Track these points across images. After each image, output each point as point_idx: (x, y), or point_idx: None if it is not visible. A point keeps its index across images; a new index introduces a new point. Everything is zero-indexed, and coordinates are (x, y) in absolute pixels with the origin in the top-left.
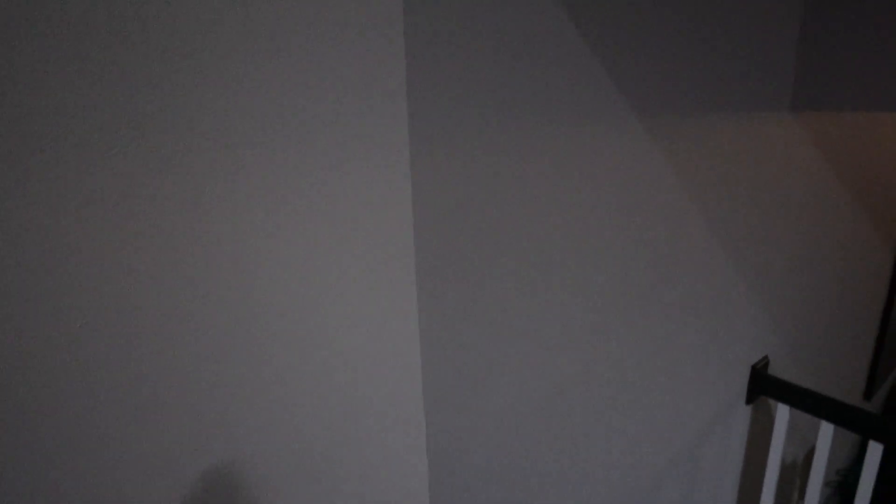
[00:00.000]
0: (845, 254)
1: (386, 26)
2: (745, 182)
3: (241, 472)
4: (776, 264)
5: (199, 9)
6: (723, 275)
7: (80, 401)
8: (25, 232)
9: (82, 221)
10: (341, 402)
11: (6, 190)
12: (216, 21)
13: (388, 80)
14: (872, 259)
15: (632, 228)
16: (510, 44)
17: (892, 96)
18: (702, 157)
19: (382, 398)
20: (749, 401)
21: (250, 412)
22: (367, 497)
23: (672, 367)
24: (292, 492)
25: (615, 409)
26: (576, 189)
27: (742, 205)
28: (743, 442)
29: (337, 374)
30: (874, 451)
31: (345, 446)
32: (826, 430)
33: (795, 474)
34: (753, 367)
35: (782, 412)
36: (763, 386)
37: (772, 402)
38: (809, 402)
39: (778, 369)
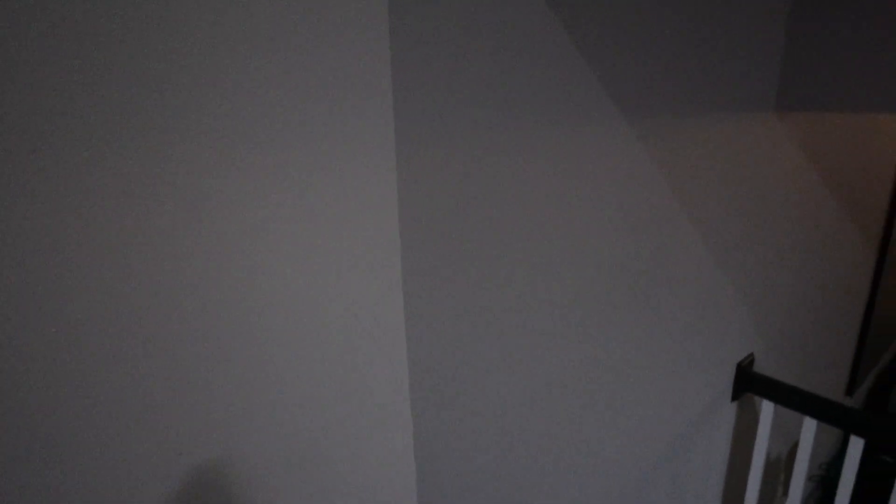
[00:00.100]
0: (829, 253)
1: (371, 24)
2: (730, 182)
3: (226, 473)
4: (761, 263)
5: (191, 12)
6: (709, 274)
7: (77, 400)
8: (24, 232)
9: (81, 221)
10: (323, 404)
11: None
12: (214, 22)
13: (373, 79)
14: (855, 258)
15: (618, 228)
16: (495, 43)
17: (876, 97)
18: (687, 157)
19: (367, 399)
20: (735, 398)
21: (232, 414)
22: (352, 499)
23: (659, 365)
24: (269, 497)
25: (603, 406)
26: (561, 188)
27: (728, 204)
28: (729, 438)
29: (318, 376)
30: (855, 445)
31: (328, 449)
32: (809, 425)
33: (780, 469)
34: (739, 365)
35: (767, 408)
36: (748, 383)
37: (757, 398)
38: (793, 399)
39: (763, 366)
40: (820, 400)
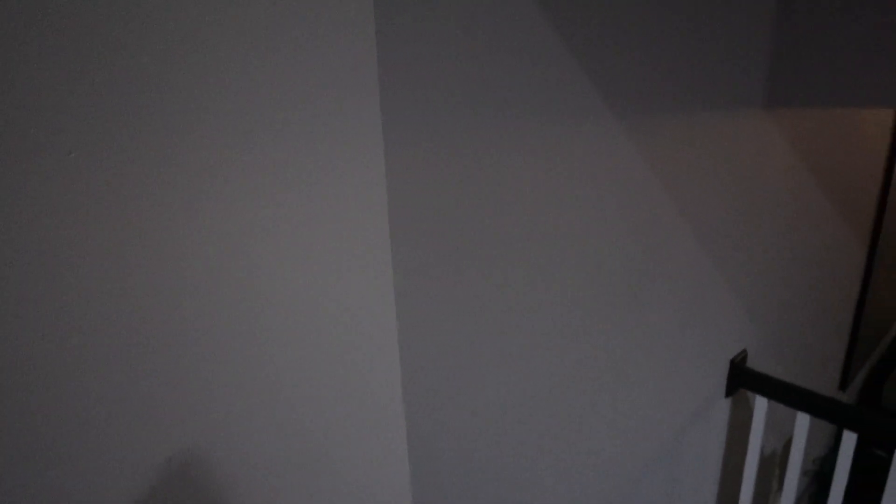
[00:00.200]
0: (820, 249)
1: (357, 24)
2: (722, 179)
3: (224, 474)
4: (753, 260)
5: (186, 12)
6: (702, 271)
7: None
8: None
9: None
10: (318, 405)
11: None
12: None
13: (359, 79)
14: (846, 254)
15: (611, 226)
16: (483, 42)
17: (864, 92)
18: (679, 155)
19: (360, 400)
20: (728, 394)
21: (231, 415)
22: (347, 500)
23: (654, 362)
24: (266, 497)
25: (599, 404)
26: (554, 186)
27: (720, 202)
28: (723, 434)
29: (313, 377)
30: (848, 440)
31: (323, 450)
32: (803, 420)
33: (774, 464)
34: (732, 361)
35: (760, 404)
36: (742, 379)
37: (750, 394)
38: (786, 394)
39: (756, 362)
40: (813, 395)
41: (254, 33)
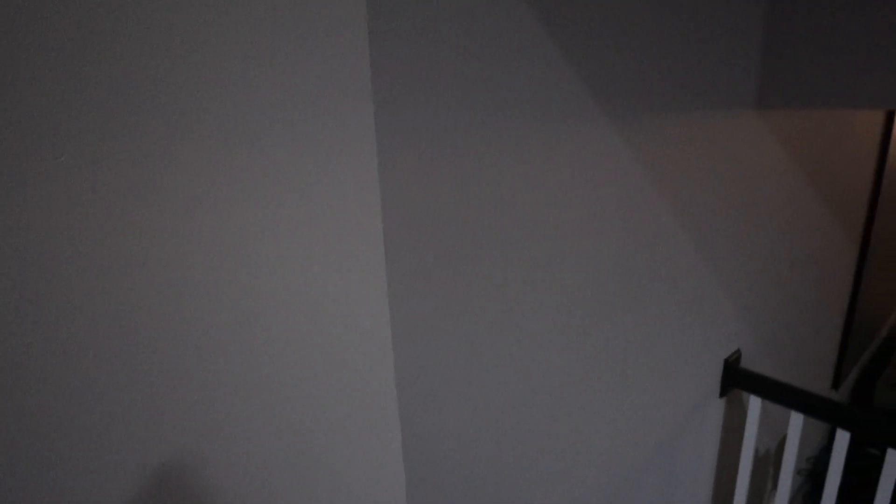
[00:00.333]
0: (813, 249)
1: (350, 27)
2: (716, 180)
3: (222, 474)
4: (747, 260)
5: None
6: (696, 272)
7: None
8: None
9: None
10: (315, 407)
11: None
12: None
13: (352, 79)
14: (838, 254)
15: (607, 227)
16: (476, 45)
17: (855, 93)
18: (673, 156)
19: (354, 402)
20: (723, 394)
21: (230, 416)
22: (342, 500)
23: (648, 363)
24: (262, 497)
25: (595, 404)
26: (547, 188)
27: (713, 202)
28: (718, 433)
29: (304, 379)
30: (842, 438)
31: (314, 454)
32: (796, 420)
33: (768, 463)
34: (726, 361)
35: (754, 404)
36: (735, 379)
37: (744, 394)
38: (780, 394)
39: (749, 362)
40: (806, 395)
41: (252, 36)
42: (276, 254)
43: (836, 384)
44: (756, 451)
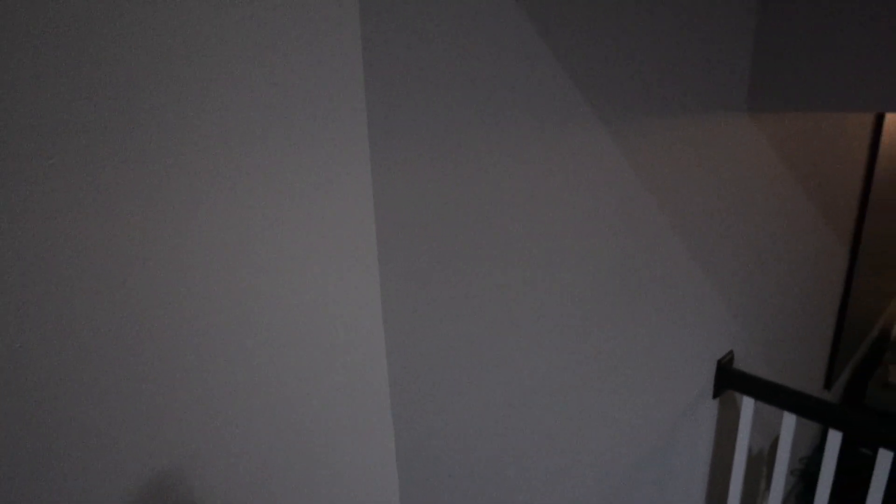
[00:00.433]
0: (804, 250)
1: (343, 29)
2: (709, 182)
3: (219, 474)
4: (739, 262)
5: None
6: (689, 273)
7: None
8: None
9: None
10: (307, 408)
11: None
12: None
13: (346, 81)
14: (829, 255)
15: (600, 229)
16: (470, 47)
17: (845, 96)
18: (666, 158)
19: (350, 404)
20: (716, 395)
21: (222, 415)
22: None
23: (642, 364)
24: (259, 497)
25: (590, 405)
26: (542, 189)
27: (706, 205)
28: (711, 434)
29: (294, 384)
30: (834, 438)
31: (307, 457)
32: (789, 420)
33: (762, 463)
34: (719, 362)
35: (747, 404)
36: (728, 380)
37: (737, 395)
38: (773, 394)
39: (742, 363)
40: (799, 395)
41: (250, 37)
42: (273, 254)
43: (828, 384)
44: (749, 451)
